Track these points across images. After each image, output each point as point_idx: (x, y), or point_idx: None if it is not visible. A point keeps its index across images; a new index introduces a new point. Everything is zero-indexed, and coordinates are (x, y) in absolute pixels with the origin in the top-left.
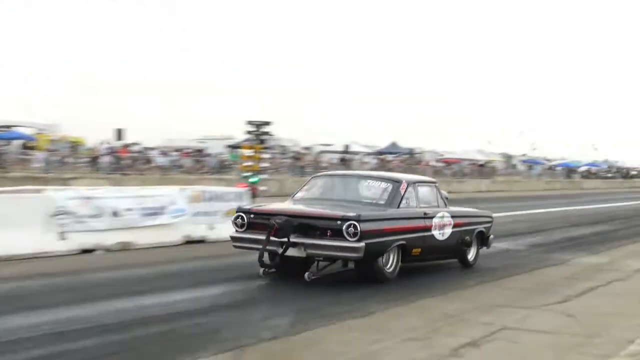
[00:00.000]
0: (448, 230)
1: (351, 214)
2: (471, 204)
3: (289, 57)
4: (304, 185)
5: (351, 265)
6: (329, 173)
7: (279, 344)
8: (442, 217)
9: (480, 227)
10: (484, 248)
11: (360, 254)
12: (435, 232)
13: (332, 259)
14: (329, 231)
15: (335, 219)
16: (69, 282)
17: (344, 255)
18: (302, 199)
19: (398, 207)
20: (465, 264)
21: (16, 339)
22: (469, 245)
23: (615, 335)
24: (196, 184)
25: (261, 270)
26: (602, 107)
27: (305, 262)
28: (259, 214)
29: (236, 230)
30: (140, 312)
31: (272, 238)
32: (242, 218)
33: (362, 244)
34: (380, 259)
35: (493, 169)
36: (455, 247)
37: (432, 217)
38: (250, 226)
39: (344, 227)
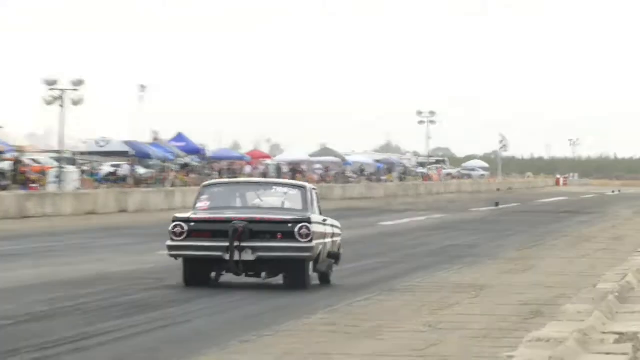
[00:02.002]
0: (329, 240)
1: (302, 217)
2: None
3: None
4: (200, 195)
5: (271, 280)
6: (225, 181)
7: None
8: (331, 225)
9: (339, 240)
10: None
11: (312, 254)
12: (328, 240)
13: (280, 262)
14: (279, 234)
15: (287, 222)
16: None
17: (295, 255)
18: (211, 209)
19: (314, 212)
20: (326, 280)
21: None
22: (337, 258)
23: None
24: None
25: (214, 274)
26: None
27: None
28: (202, 222)
29: (173, 239)
30: None
31: (214, 244)
32: (181, 227)
33: (314, 244)
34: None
35: None
36: (327, 260)
37: (325, 224)
38: (190, 234)
39: (296, 229)
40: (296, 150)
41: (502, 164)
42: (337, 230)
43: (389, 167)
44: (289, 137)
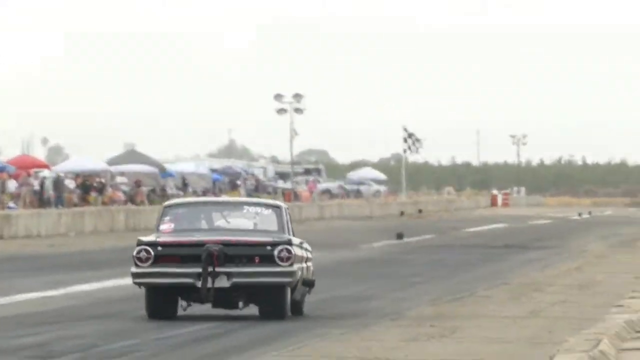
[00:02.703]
0: (304, 265)
1: (282, 238)
2: None
3: None
4: (163, 216)
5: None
6: (190, 201)
7: None
8: (305, 248)
9: (311, 265)
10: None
11: (294, 279)
12: (304, 265)
13: (260, 289)
14: (257, 257)
15: (265, 244)
16: None
17: (275, 281)
18: (179, 229)
19: (292, 234)
20: (299, 311)
21: None
22: (311, 285)
23: None
24: None
25: (184, 304)
26: None
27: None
28: (171, 246)
29: (138, 266)
30: None
31: (185, 270)
32: (147, 251)
33: (295, 268)
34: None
35: None
36: (302, 287)
37: (302, 247)
38: (157, 259)
39: (275, 252)
40: (88, 156)
41: (407, 175)
42: (310, 255)
43: (233, 180)
44: (78, 136)
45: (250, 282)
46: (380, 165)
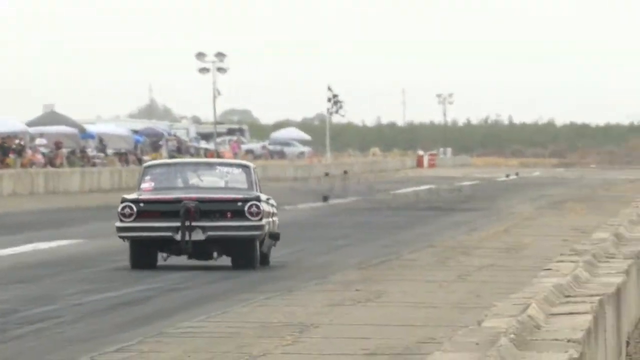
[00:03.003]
0: (271, 219)
1: (251, 195)
2: None
3: None
4: (143, 176)
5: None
6: (168, 162)
7: None
8: (272, 204)
9: (277, 220)
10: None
11: (262, 232)
12: (271, 220)
13: (232, 241)
14: (229, 213)
15: (236, 200)
16: None
17: (246, 234)
18: (159, 187)
19: (259, 191)
20: (266, 261)
21: None
22: (277, 238)
23: None
24: None
25: (165, 255)
26: None
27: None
28: (154, 201)
29: (122, 220)
30: None
31: (165, 224)
32: (130, 208)
33: (264, 222)
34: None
35: None
36: (269, 240)
37: (269, 203)
38: (140, 215)
39: (245, 208)
40: (6, 117)
41: (332, 135)
42: (275, 210)
43: (155, 142)
44: None
45: (224, 235)
46: (304, 126)
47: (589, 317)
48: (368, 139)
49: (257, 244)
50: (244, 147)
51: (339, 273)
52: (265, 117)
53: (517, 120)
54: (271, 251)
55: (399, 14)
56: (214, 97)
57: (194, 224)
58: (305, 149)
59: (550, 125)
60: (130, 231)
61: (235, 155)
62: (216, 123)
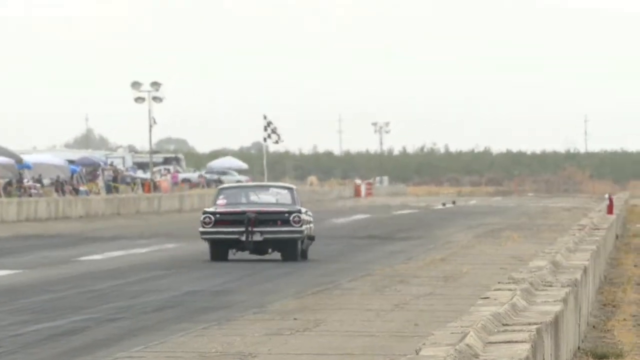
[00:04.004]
0: (309, 226)
1: (294, 209)
2: None
3: None
4: (218, 195)
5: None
6: (236, 185)
7: None
8: (309, 215)
9: (312, 226)
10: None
11: (303, 235)
12: (308, 226)
13: (281, 242)
14: (279, 221)
15: (284, 212)
16: None
17: (291, 236)
18: (229, 203)
19: (300, 205)
20: (305, 256)
21: None
22: (313, 239)
23: None
24: None
25: (233, 251)
26: None
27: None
28: (226, 213)
29: (204, 227)
30: None
31: (234, 229)
32: (209, 217)
33: (303, 228)
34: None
35: None
36: (307, 241)
37: (307, 214)
38: (216, 223)
39: (290, 217)
40: None
41: (269, 164)
42: (311, 219)
43: (91, 171)
44: None
45: (275, 237)
46: (241, 154)
47: (527, 345)
48: (305, 167)
49: (299, 243)
50: (181, 176)
51: (277, 302)
52: (202, 146)
53: (453, 148)
54: (308, 249)
55: (335, 42)
56: (150, 126)
57: (254, 229)
58: (243, 177)
59: (486, 153)
60: (210, 234)
61: (174, 186)
62: (152, 152)
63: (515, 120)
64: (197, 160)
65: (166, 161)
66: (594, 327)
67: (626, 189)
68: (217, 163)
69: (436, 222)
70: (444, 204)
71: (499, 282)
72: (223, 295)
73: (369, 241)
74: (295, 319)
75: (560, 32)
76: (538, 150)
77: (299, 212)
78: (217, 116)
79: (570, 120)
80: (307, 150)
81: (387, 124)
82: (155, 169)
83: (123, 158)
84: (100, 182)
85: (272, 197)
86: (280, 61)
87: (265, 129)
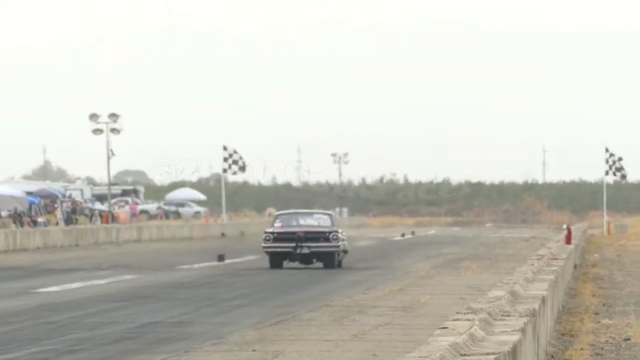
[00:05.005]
0: (343, 242)
1: (333, 229)
2: None
3: None
4: (275, 219)
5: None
6: (288, 212)
7: None
8: (343, 234)
9: (346, 242)
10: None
11: (339, 249)
12: (343, 243)
13: (323, 254)
14: (321, 238)
15: (325, 231)
16: None
17: (330, 250)
18: (284, 225)
19: (336, 227)
20: (340, 265)
21: None
22: (346, 252)
23: None
24: None
25: (287, 261)
26: None
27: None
28: (282, 233)
29: (266, 242)
30: None
31: (288, 244)
32: (269, 236)
33: (339, 244)
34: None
35: None
36: (342, 254)
37: (342, 234)
38: (274, 239)
39: (330, 236)
40: None
41: (228, 195)
42: (345, 237)
43: (49, 203)
44: None
45: (318, 250)
46: (199, 186)
47: None
48: (264, 199)
49: (336, 255)
50: (139, 207)
51: (235, 333)
52: (160, 178)
53: (412, 179)
54: (343, 259)
55: (292, 71)
56: (108, 158)
57: (302, 244)
58: (201, 209)
59: (445, 183)
60: (270, 248)
61: (132, 217)
62: (110, 184)
63: (474, 151)
64: (156, 192)
65: (124, 193)
66: (552, 356)
67: (584, 219)
68: (175, 195)
69: (395, 252)
70: (403, 235)
71: (457, 312)
72: (182, 327)
73: (327, 272)
74: (254, 350)
75: (517, 61)
76: (496, 181)
77: (337, 232)
78: (175, 148)
79: (528, 151)
80: (265, 181)
81: (346, 154)
82: (113, 200)
83: (81, 190)
84: (59, 213)
85: (316, 220)
86: (238, 91)
87: (226, 160)
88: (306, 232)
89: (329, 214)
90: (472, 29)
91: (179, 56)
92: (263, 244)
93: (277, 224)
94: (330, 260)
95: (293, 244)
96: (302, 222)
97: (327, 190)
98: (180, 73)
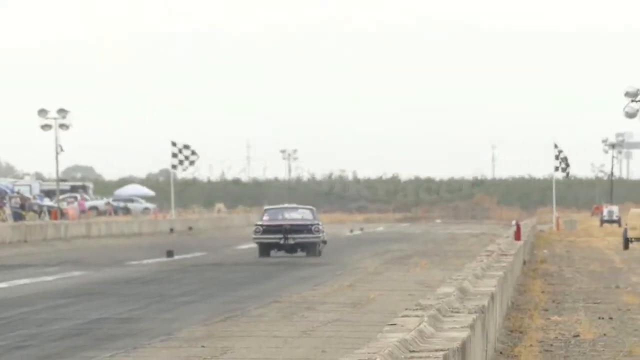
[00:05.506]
0: (323, 234)
1: (315, 222)
2: None
3: None
4: (264, 213)
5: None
6: (276, 207)
7: None
8: (323, 226)
9: (325, 234)
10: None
11: (320, 240)
12: (323, 234)
13: (306, 244)
14: (304, 230)
15: (308, 224)
16: None
17: (312, 241)
18: (271, 219)
19: (318, 220)
20: (320, 254)
21: None
22: (325, 243)
23: None
24: None
25: (274, 250)
26: None
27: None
28: (270, 225)
29: (256, 233)
30: None
31: (275, 236)
32: (259, 228)
33: (320, 235)
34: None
35: None
36: (322, 244)
37: (322, 226)
38: (265, 231)
39: (312, 228)
40: None
41: (176, 191)
42: (324, 229)
43: None
44: None
45: (302, 241)
46: (148, 182)
47: None
48: (213, 194)
49: (318, 245)
50: (88, 203)
51: (184, 329)
52: (109, 174)
53: (361, 175)
54: (323, 248)
55: (242, 69)
56: (57, 154)
57: (288, 236)
58: (150, 205)
59: (394, 180)
60: (259, 239)
61: (81, 213)
62: (59, 180)
63: (424, 147)
64: (105, 188)
65: (73, 189)
66: (501, 353)
67: (533, 215)
68: (123, 191)
69: (344, 248)
70: (351, 231)
71: (406, 309)
72: (130, 323)
73: (276, 268)
74: (203, 346)
75: (467, 59)
76: (446, 177)
77: (318, 224)
78: (125, 143)
79: (478, 147)
80: (214, 177)
81: (295, 151)
82: (62, 196)
83: (30, 186)
84: (7, 209)
85: (299, 214)
86: (188, 88)
87: (176, 156)
88: (292, 225)
89: (310, 209)
90: (422, 28)
91: (128, 50)
92: (253, 236)
93: (266, 217)
94: (313, 250)
95: (280, 235)
96: (287, 215)
97: (277, 186)
98: (128, 68)
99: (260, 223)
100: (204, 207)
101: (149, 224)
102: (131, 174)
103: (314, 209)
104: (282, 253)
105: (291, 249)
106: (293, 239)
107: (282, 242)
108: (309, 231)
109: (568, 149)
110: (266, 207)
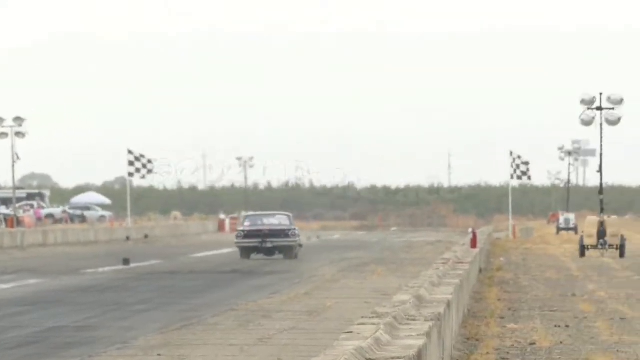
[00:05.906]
0: (299, 238)
1: (291, 227)
2: None
3: None
4: (245, 219)
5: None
6: (255, 213)
7: None
8: (299, 231)
9: (300, 238)
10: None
11: (297, 243)
12: (299, 238)
13: (283, 247)
14: (282, 234)
15: (285, 229)
16: None
17: (290, 244)
18: (252, 224)
19: (294, 226)
20: (296, 257)
21: None
22: (301, 246)
23: None
24: None
25: (254, 253)
26: None
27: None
28: (250, 231)
29: (238, 238)
30: None
31: (255, 240)
32: (240, 233)
33: (297, 239)
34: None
35: None
36: (298, 247)
37: (298, 231)
38: (245, 236)
39: (289, 232)
40: None
41: (133, 199)
42: (300, 234)
43: None
44: None
45: (280, 245)
46: (105, 190)
47: None
48: (169, 202)
49: (295, 248)
50: (44, 211)
51: (140, 338)
52: (66, 182)
53: (317, 183)
54: (299, 251)
55: (198, 76)
56: (13, 162)
57: (267, 240)
58: (106, 213)
59: (350, 188)
60: (241, 243)
61: (37, 221)
62: (15, 188)
63: (379, 155)
64: (61, 196)
65: (30, 197)
66: None
67: (490, 223)
68: (80, 198)
69: (301, 256)
70: (308, 239)
71: (362, 317)
72: (86, 331)
73: (232, 276)
74: (159, 354)
75: (422, 64)
76: (402, 185)
77: (294, 229)
78: (81, 151)
79: (433, 155)
80: (171, 185)
81: (251, 158)
82: (18, 204)
83: None
84: None
85: (277, 220)
86: (144, 96)
87: (132, 164)
88: (270, 230)
89: (287, 215)
90: (380, 33)
91: (84, 57)
92: (235, 240)
93: (247, 223)
94: (290, 253)
95: (260, 240)
96: (266, 221)
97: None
98: (82, 76)
99: (242, 229)
100: (161, 215)
101: (105, 232)
102: (88, 182)
103: (291, 215)
104: (261, 256)
105: (269, 252)
106: (271, 242)
107: (261, 245)
108: (286, 235)
109: (524, 156)
110: (247, 213)
